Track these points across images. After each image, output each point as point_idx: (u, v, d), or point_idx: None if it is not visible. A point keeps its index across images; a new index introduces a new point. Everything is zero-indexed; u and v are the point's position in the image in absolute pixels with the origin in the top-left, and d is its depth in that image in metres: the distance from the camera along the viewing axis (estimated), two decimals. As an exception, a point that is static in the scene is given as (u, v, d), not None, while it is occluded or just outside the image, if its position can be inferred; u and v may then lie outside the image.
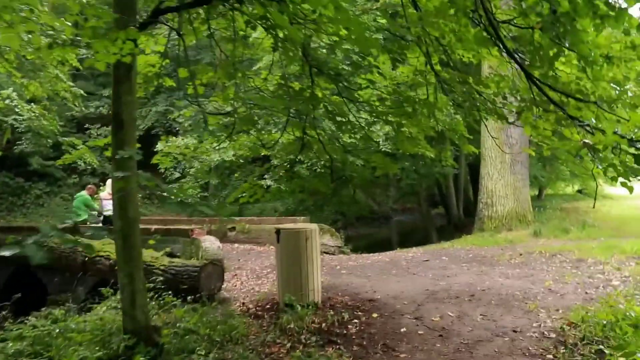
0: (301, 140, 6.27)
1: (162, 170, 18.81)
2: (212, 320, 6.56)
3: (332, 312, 7.01)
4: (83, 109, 20.62)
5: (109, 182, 13.19)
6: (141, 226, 13.38)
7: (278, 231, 7.53)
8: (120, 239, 5.88)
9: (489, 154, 14.91)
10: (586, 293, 7.29)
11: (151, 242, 8.13)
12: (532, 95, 4.91)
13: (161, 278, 8.68)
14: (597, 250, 10.12)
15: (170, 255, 9.09)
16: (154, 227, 12.00)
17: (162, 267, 8.77)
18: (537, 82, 4.34)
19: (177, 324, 6.32)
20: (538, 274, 8.67)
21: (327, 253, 13.09)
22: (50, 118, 16.82)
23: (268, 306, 7.72)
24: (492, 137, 11.48)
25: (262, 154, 14.88)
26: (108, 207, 12.63)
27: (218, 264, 8.59)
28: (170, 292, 8.35)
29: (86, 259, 10.33)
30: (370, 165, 6.20)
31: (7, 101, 16.37)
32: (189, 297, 8.10)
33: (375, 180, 26.84)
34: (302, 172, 16.28)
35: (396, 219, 35.99)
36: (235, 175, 18.88)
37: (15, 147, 23.05)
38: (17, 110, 16.59)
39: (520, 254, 10.40)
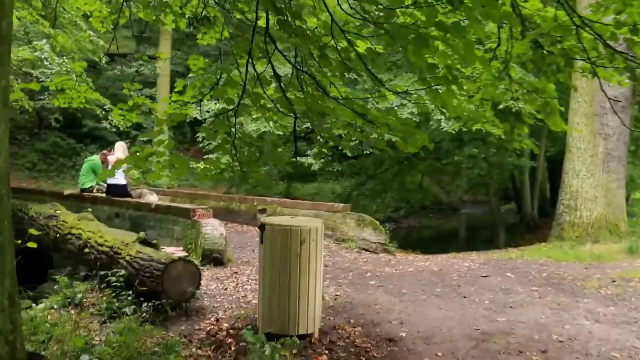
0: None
1: (200, 139, 16.68)
2: (135, 354, 4.24)
3: (324, 357, 4.56)
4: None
5: (117, 145, 11.06)
6: (155, 199, 11.23)
7: (262, 226, 5.08)
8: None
9: (577, 145, 11.78)
10: None
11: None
12: None
13: (123, 272, 6.49)
14: None
15: (144, 242, 6.78)
16: (155, 203, 9.82)
17: (127, 258, 6.53)
18: None
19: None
20: (645, 318, 5.84)
21: (366, 250, 10.56)
22: (80, 73, 14.90)
23: (246, 329, 5.31)
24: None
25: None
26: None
27: (192, 263, 6.20)
28: (130, 292, 6.19)
29: (57, 235, 8.26)
30: (383, 133, 3.60)
31: (37, 53, 14.61)
32: (145, 305, 5.85)
33: (443, 167, 24.07)
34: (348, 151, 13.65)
35: (465, 212, 32.95)
36: (279, 149, 16.43)
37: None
38: (46, 63, 14.79)
39: (614, 281, 7.50)
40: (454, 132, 11.91)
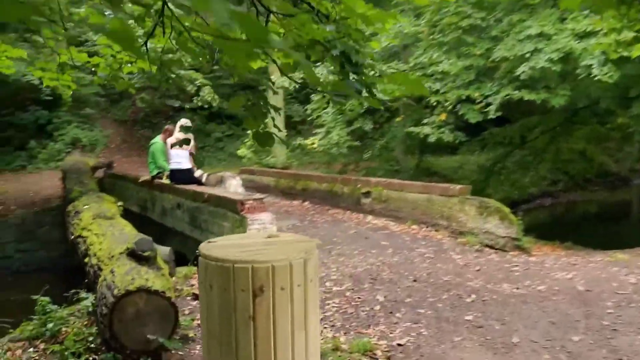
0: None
1: (310, 111, 14.38)
2: None
3: None
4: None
5: (180, 122, 9.00)
6: (237, 184, 9.19)
7: (195, 258, 2.61)
8: None
9: None
10: None
11: None
12: None
13: (91, 299, 4.48)
14: None
15: (132, 254, 4.58)
16: (208, 194, 7.67)
17: (103, 278, 4.43)
18: None
19: None
20: None
21: (490, 247, 7.63)
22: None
23: None
24: None
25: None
26: (175, 159, 8.56)
27: (161, 295, 3.86)
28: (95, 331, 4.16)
29: (72, 236, 6.47)
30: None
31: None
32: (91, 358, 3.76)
33: (608, 132, 19.87)
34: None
35: (637, 183, 27.76)
36: (397, 119, 13.69)
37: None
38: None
39: None
40: (611, 83, 8.39)
